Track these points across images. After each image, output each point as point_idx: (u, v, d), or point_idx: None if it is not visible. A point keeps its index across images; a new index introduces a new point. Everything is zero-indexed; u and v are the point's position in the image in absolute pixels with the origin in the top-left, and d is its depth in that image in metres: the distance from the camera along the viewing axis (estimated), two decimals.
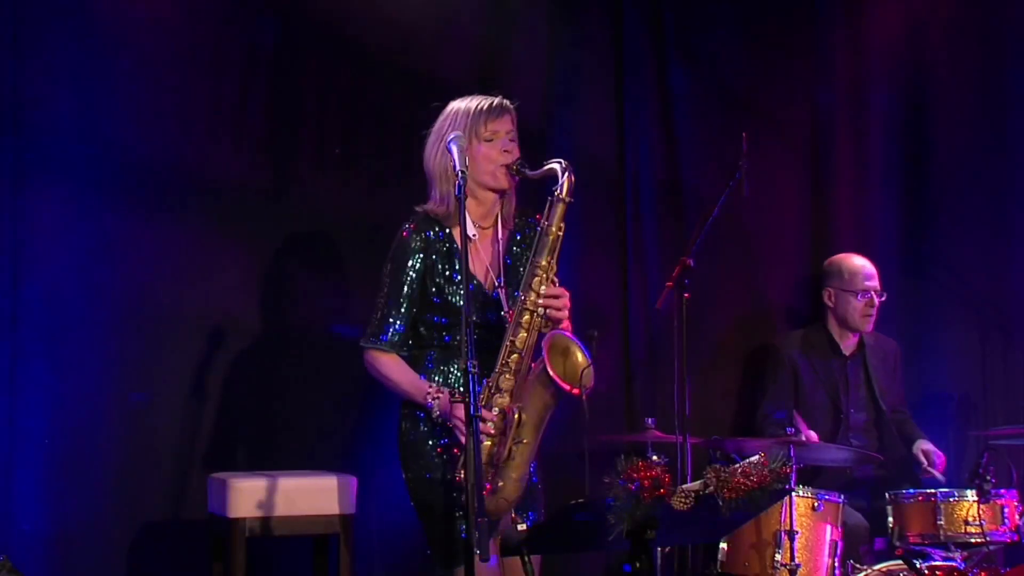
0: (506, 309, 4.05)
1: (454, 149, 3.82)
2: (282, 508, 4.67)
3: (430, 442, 4.03)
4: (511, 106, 4.15)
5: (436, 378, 4.05)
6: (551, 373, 3.84)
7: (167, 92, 5.10)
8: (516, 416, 3.87)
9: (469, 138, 4.02)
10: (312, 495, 4.72)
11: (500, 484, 3.87)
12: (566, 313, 4.02)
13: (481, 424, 3.81)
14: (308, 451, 5.17)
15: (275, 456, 5.11)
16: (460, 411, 3.86)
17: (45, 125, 4.92)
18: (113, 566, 4.98)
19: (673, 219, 5.85)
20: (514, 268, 4.14)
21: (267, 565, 4.99)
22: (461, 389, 3.78)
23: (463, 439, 3.82)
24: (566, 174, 4.00)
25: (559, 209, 4.01)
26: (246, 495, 4.64)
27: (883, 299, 5.62)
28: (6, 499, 4.83)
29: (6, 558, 4.32)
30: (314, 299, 5.30)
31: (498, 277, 4.11)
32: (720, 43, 6.00)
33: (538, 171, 4.06)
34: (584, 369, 3.88)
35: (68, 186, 4.95)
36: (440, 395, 3.96)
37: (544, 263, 3.99)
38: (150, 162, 5.06)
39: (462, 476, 3.85)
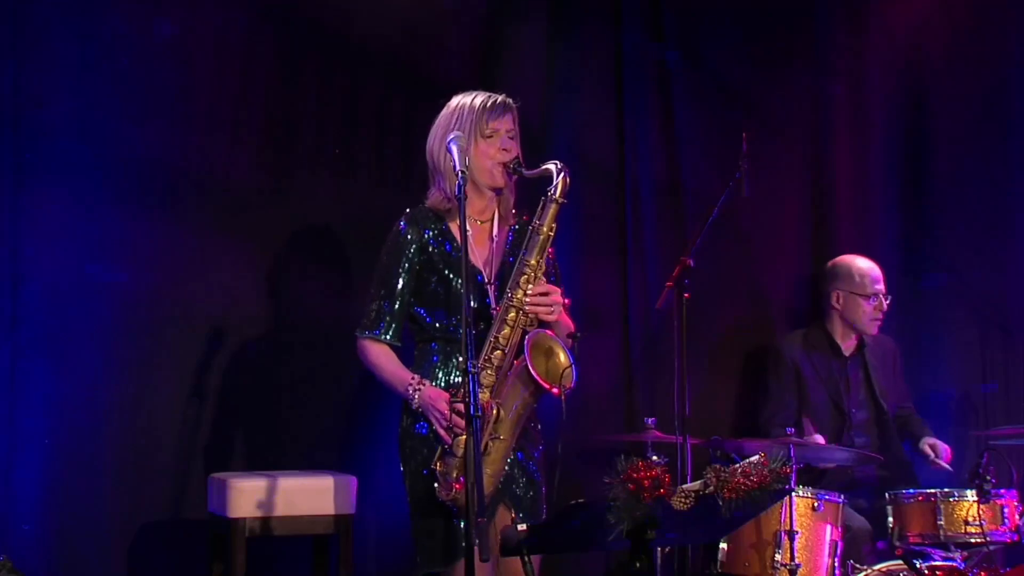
0: (493, 305, 4.05)
1: (454, 149, 3.84)
2: (282, 508, 4.67)
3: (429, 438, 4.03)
4: (513, 104, 4.16)
5: (440, 374, 4.06)
6: (532, 371, 3.86)
7: (167, 92, 5.10)
8: (495, 412, 3.89)
9: (469, 135, 4.04)
10: (312, 495, 4.72)
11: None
12: (554, 311, 4.03)
13: (456, 417, 3.85)
14: (308, 451, 5.17)
15: (275, 456, 5.11)
16: (440, 403, 3.92)
17: (45, 125, 4.92)
18: (113, 566, 4.98)
19: (673, 219, 5.85)
20: (515, 266, 4.13)
21: (267, 565, 4.99)
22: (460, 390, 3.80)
23: (440, 431, 3.94)
24: (561, 175, 4.02)
25: (552, 210, 4.03)
26: (246, 495, 4.64)
27: (889, 301, 5.62)
28: (6, 499, 4.82)
29: (6, 558, 4.31)
30: (314, 299, 5.29)
31: (490, 273, 4.12)
32: (720, 43, 5.99)
33: (534, 171, 4.08)
34: (565, 369, 3.90)
35: (68, 186, 4.95)
36: (422, 387, 3.99)
37: (534, 262, 4.01)
38: (150, 162, 5.06)
39: (438, 467, 3.93)
